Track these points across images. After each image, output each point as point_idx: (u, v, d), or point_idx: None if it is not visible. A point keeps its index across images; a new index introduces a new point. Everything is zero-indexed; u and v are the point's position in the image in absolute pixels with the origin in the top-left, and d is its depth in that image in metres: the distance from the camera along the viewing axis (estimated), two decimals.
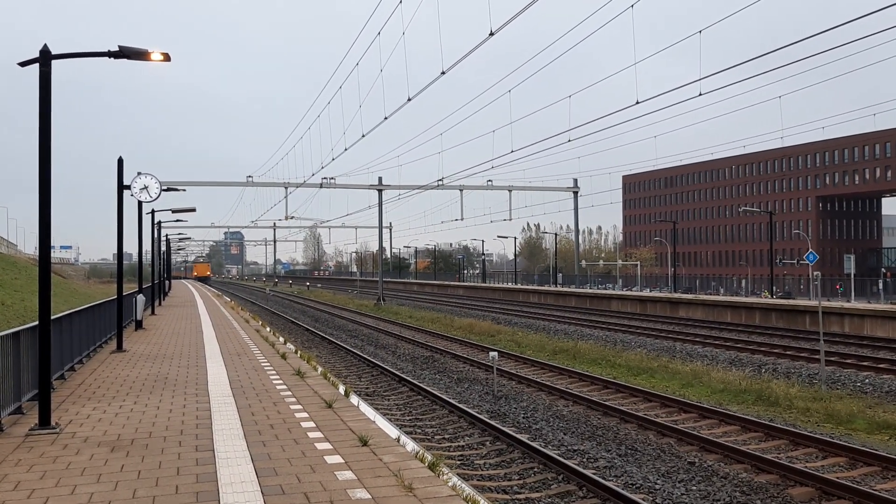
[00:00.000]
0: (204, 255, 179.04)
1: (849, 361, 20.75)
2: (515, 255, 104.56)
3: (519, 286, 72.41)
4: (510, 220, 62.56)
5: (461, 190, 57.76)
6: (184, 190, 31.65)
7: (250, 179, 57.94)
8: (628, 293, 51.24)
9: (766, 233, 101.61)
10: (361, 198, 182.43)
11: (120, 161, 17.43)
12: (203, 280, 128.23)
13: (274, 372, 13.19)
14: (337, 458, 7.13)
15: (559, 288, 63.62)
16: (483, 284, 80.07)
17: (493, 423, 13.22)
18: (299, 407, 9.83)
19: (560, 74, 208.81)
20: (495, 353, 17.58)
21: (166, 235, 52.67)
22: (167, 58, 9.60)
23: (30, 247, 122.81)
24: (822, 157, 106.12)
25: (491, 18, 52.44)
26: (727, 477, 10.30)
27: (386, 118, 29.27)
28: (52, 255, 9.44)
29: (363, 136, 33.97)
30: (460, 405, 14.94)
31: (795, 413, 14.77)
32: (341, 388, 11.55)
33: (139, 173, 18.05)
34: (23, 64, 9.11)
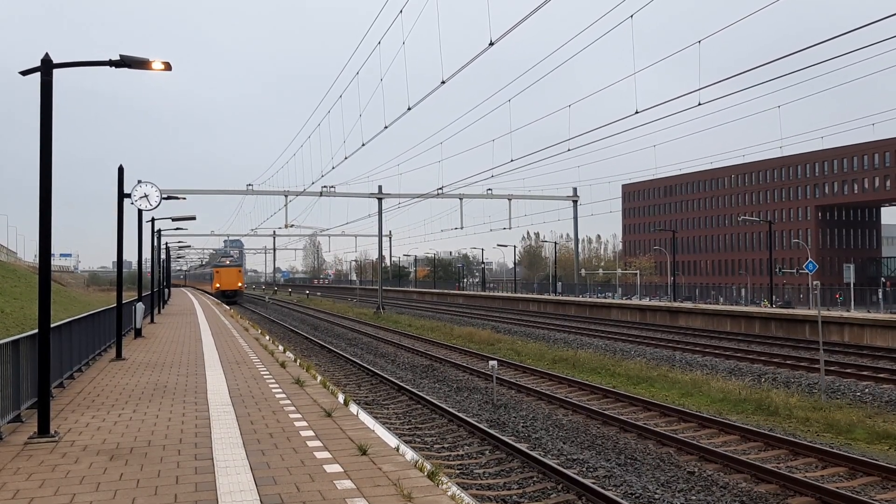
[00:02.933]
0: (233, 256, 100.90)
1: (849, 371, 20.73)
2: (515, 263, 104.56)
3: (518, 295, 72.39)
4: (510, 228, 62.75)
5: (461, 198, 57.82)
6: (184, 198, 31.69)
7: (250, 187, 58.05)
8: (628, 302, 51.23)
9: (766, 242, 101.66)
10: (361, 206, 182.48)
11: (120, 169, 17.45)
12: (229, 297, 70.87)
13: (273, 380, 13.18)
14: (336, 467, 7.12)
15: (559, 297, 63.58)
16: (483, 293, 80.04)
17: (492, 432, 13.21)
18: (298, 416, 9.82)
19: (560, 84, 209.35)
20: (495, 362, 17.57)
21: (166, 243, 52.68)
22: (168, 67, 9.62)
23: (29, 254, 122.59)
24: (821, 166, 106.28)
25: (491, 28, 52.66)
26: (727, 486, 10.28)
27: (386, 127, 29.32)
28: (52, 262, 9.47)
29: (363, 144, 34.05)
30: (460, 414, 14.93)
31: (795, 423, 14.75)
32: (340, 397, 11.54)
33: (139, 181, 18.08)
34: (24, 73, 9.14)
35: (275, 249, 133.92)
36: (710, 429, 14.02)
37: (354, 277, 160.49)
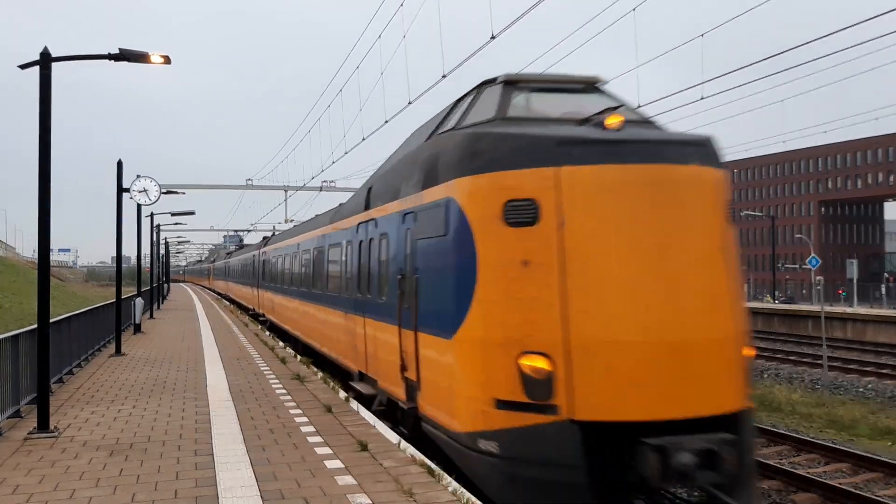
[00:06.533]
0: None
1: (851, 367, 20.68)
2: None
3: None
4: None
5: None
6: (183, 193, 31.55)
7: (250, 182, 57.88)
8: None
9: (769, 237, 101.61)
10: None
11: (119, 164, 17.39)
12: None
13: (273, 376, 13.14)
14: (337, 463, 7.08)
15: None
16: None
17: None
18: (299, 411, 9.78)
19: None
20: None
21: (165, 239, 52.67)
22: (167, 60, 9.56)
23: (28, 250, 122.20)
24: (824, 161, 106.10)
25: (492, 21, 52.49)
26: None
27: (386, 121, 29.19)
28: (51, 258, 9.46)
29: (363, 139, 33.88)
30: None
31: (798, 418, 14.71)
32: (341, 393, 11.50)
33: (138, 176, 18.04)
34: (23, 66, 9.08)
35: None
36: None
37: None
